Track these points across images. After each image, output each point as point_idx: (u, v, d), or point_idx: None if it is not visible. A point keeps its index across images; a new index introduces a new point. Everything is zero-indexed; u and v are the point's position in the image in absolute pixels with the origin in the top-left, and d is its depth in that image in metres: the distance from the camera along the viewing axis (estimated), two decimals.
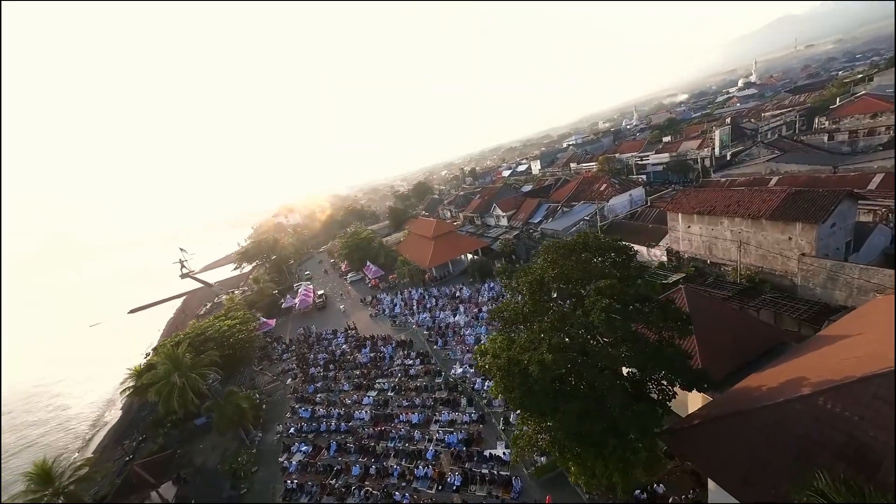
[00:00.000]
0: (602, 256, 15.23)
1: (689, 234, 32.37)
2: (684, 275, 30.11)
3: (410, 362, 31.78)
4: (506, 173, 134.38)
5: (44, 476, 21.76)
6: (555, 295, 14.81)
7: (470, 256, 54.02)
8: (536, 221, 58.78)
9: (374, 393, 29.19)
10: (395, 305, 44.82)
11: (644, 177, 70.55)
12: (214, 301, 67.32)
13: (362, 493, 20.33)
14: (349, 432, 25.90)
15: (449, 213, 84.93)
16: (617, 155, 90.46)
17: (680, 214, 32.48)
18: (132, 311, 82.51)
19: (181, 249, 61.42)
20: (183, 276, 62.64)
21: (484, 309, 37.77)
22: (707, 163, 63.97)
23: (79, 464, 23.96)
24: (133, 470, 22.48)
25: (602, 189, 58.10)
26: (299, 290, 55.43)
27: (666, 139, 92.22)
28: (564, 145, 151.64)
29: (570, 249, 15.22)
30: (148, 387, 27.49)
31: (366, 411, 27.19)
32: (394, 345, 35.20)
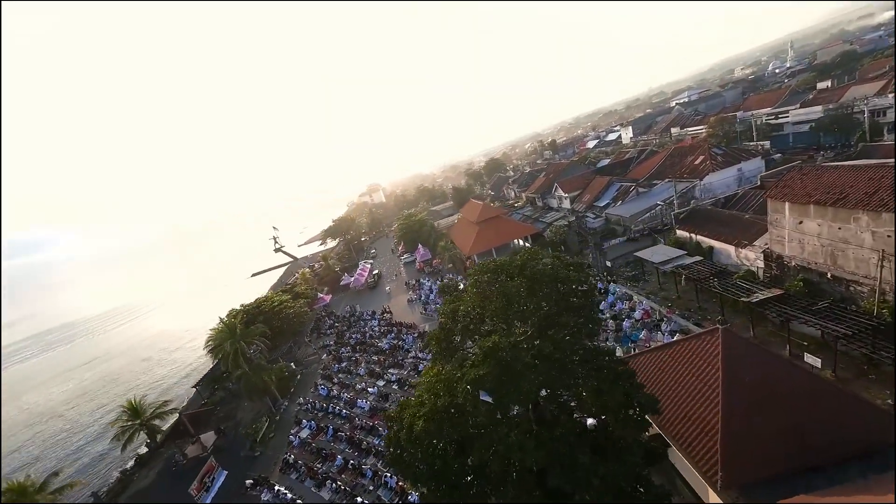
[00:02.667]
0: (546, 286, 11.15)
1: (800, 233, 22.93)
2: (783, 291, 21.61)
3: (423, 355, 30.78)
4: (591, 144, 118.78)
5: (133, 411, 27.83)
6: (458, 338, 11.50)
7: (522, 244, 49.32)
8: (603, 204, 50.21)
9: (381, 383, 29.23)
10: (432, 292, 43.97)
11: (769, 143, 53.51)
12: (297, 274, 76.99)
13: (334, 485, 20.60)
14: (348, 419, 26.56)
15: (513, 194, 79.07)
16: (739, 113, 70.86)
17: (787, 204, 23.08)
18: (253, 275, 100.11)
19: (274, 227, 71.33)
20: (276, 250, 72.99)
21: None
22: (885, 116, 45.01)
23: (159, 404, 30.09)
24: (180, 418, 27.20)
25: (697, 162, 46.11)
26: (357, 269, 58.99)
27: (823, 84, 68.29)
28: (672, 104, 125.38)
29: (495, 273, 11.49)
30: (214, 348, 32.84)
31: (367, 401, 27.44)
32: (416, 335, 34.57)
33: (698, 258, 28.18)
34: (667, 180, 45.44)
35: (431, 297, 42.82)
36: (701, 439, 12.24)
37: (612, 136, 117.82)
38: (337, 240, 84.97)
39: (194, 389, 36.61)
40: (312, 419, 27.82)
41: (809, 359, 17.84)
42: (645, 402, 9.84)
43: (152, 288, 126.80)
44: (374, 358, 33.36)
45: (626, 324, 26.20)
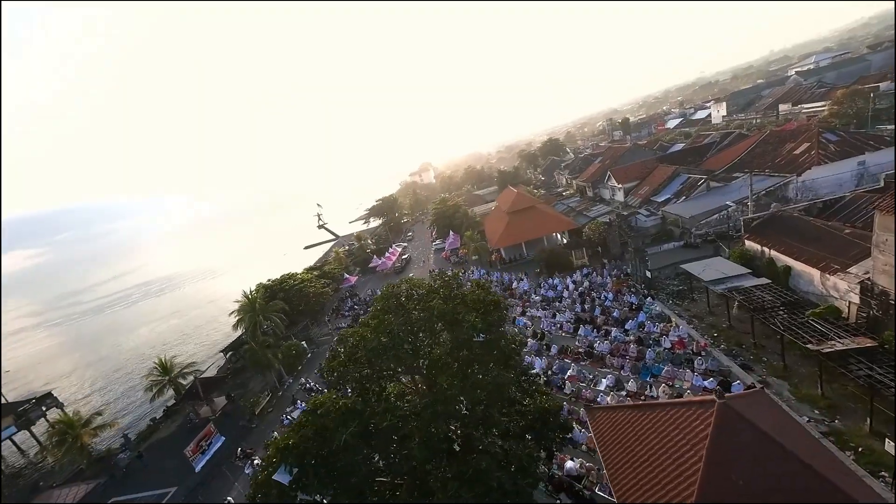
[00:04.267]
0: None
1: None
2: (875, 343, 15.50)
3: None
4: (672, 123, 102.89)
5: (163, 368, 31.21)
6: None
7: (561, 237, 44.36)
8: (662, 199, 42.59)
9: None
10: None
11: None
12: (339, 250, 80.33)
13: None
14: None
15: (564, 180, 71.81)
16: (883, 85, 54.74)
17: None
18: (305, 248, 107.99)
19: (318, 204, 74.70)
20: (318, 226, 76.69)
21: (526, 314, 30.87)
22: None
23: (185, 364, 33.42)
24: (195, 381, 29.79)
25: (798, 151, 36.48)
26: (387, 252, 59.14)
27: None
28: (790, 73, 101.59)
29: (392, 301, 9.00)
30: (238, 319, 35.38)
31: None
32: None
33: (764, 281, 21.89)
34: (753, 172, 36.53)
35: None
36: None
37: (701, 114, 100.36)
38: (380, 220, 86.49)
39: (221, 355, 40.28)
40: (305, 402, 28.36)
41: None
42: None
43: (232, 251, 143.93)
44: None
45: (649, 353, 21.62)
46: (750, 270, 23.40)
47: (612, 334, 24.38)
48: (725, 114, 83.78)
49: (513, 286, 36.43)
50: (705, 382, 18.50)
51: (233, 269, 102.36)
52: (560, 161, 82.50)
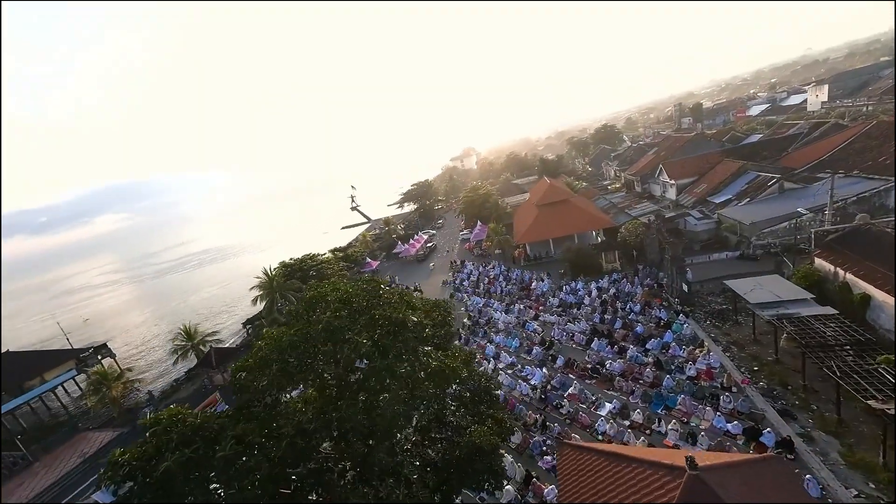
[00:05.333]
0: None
1: None
2: None
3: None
4: (755, 110, 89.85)
5: (187, 334, 33.79)
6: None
7: (596, 236, 40.65)
8: (721, 200, 37.04)
9: None
10: (468, 277, 40.47)
11: None
12: (366, 234, 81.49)
13: None
14: None
15: (612, 172, 65.72)
16: None
17: None
18: (342, 228, 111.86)
19: (352, 187, 75.90)
20: (351, 208, 78.16)
21: (539, 318, 28.63)
22: None
23: (207, 332, 35.88)
24: (209, 351, 31.77)
25: None
26: (412, 238, 58.69)
27: None
28: None
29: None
30: (259, 295, 37.20)
31: None
32: None
33: (830, 311, 17.75)
34: (842, 174, 30.19)
35: (465, 283, 39.45)
36: None
37: (794, 100, 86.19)
38: (414, 205, 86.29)
39: (243, 327, 42.82)
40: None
41: None
42: None
43: (277, 227, 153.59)
44: None
45: (667, 380, 18.73)
46: (813, 296, 19.16)
47: (629, 353, 21.57)
48: (826, 99, 70.76)
49: (532, 286, 34.03)
50: (728, 426, 15.53)
51: (277, 244, 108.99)
52: (610, 151, 75.61)
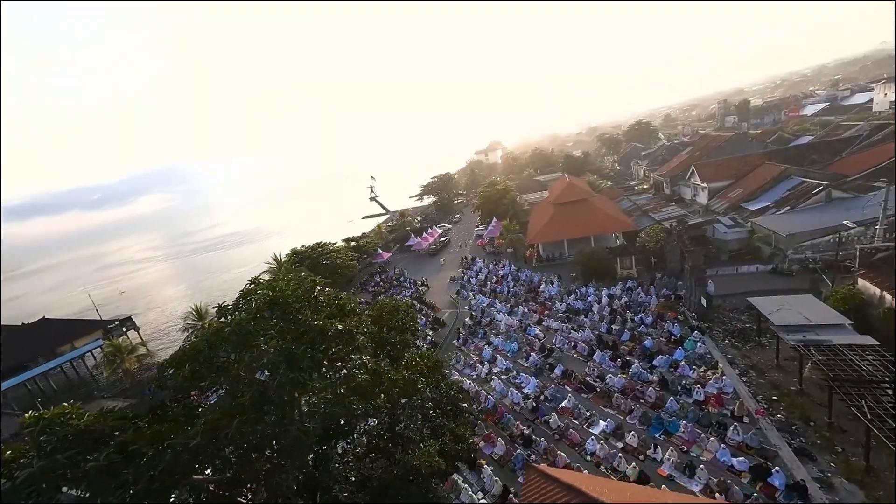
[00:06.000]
0: None
1: None
2: None
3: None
4: (812, 109, 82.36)
5: (198, 314, 35.05)
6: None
7: (616, 239, 38.43)
8: (757, 207, 33.95)
9: None
10: (476, 275, 39.46)
11: None
12: (382, 225, 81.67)
13: None
14: None
15: (642, 172, 62.05)
16: None
17: None
18: (363, 217, 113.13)
19: (371, 177, 75.98)
20: (370, 199, 78.42)
21: (542, 324, 27.32)
22: None
23: None
24: None
25: None
26: (426, 232, 58.08)
27: None
28: None
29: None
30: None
31: None
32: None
33: (869, 341, 15.54)
34: (884, 182, 26.62)
35: (473, 281, 38.50)
36: None
37: (859, 98, 77.91)
38: (433, 198, 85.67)
39: None
40: None
41: None
42: None
43: (304, 214, 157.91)
44: None
45: (671, 402, 17.17)
46: (851, 322, 16.89)
47: (633, 368, 20.02)
48: (895, 98, 63.23)
49: (540, 288, 32.61)
50: (734, 460, 13.92)
51: (302, 230, 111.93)
52: (642, 149, 71.43)
